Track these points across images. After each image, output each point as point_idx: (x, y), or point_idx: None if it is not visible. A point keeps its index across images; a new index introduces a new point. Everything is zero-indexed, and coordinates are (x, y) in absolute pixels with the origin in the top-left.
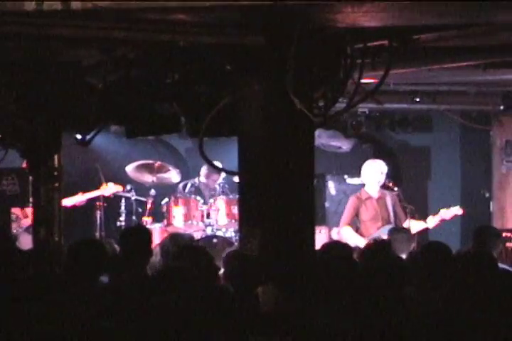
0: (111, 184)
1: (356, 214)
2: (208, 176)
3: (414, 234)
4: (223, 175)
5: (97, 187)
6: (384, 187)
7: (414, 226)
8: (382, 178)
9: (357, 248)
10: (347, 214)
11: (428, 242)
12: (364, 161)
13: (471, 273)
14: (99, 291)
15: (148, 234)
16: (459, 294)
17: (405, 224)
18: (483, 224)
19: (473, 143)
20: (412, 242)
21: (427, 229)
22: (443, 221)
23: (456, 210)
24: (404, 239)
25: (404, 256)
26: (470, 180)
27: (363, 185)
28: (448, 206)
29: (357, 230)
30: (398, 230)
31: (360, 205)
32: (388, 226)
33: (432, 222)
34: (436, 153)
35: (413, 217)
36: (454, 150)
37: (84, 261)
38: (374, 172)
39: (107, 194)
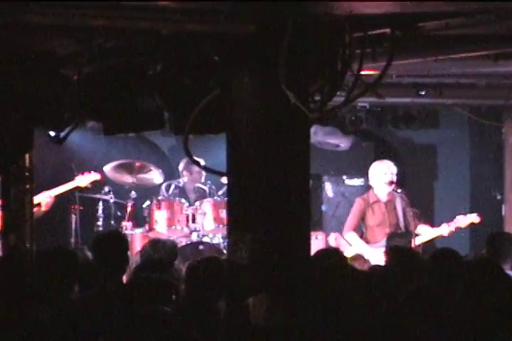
0: (86, 173)
1: (362, 218)
2: (188, 175)
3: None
4: (204, 174)
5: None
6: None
7: (426, 233)
8: (390, 179)
9: (360, 256)
10: (352, 217)
11: (437, 249)
12: (364, 160)
13: (477, 282)
14: (74, 302)
15: (124, 240)
16: (468, 302)
17: (416, 231)
18: (497, 230)
19: (484, 140)
20: (410, 247)
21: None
22: (458, 229)
23: (473, 218)
24: (402, 244)
25: None
26: (480, 180)
27: (370, 188)
28: (456, 209)
29: (361, 236)
30: (396, 235)
31: (367, 209)
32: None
33: (446, 229)
34: (443, 151)
35: (425, 222)
36: (463, 148)
37: (55, 271)
38: (381, 173)
39: (83, 184)
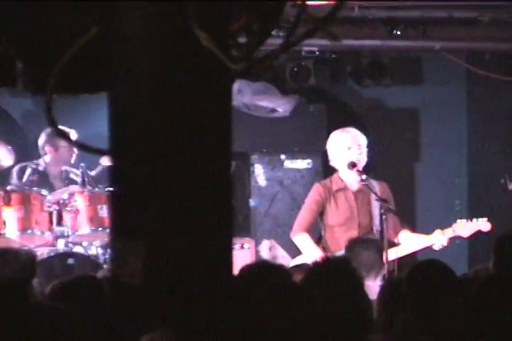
0: None
1: (321, 214)
2: (52, 152)
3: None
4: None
5: None
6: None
7: (410, 242)
8: (357, 158)
9: (302, 269)
10: (306, 211)
11: (418, 262)
12: (313, 132)
13: (482, 306)
14: None
15: None
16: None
17: (398, 238)
18: (509, 232)
19: (489, 102)
20: (382, 261)
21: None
22: (453, 238)
23: (481, 224)
24: (371, 256)
25: (374, 282)
26: (482, 160)
27: (334, 171)
28: (447, 206)
29: (319, 240)
30: (360, 242)
31: (328, 200)
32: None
33: (439, 238)
34: (429, 118)
35: (412, 229)
36: (458, 113)
37: None
38: (344, 147)
39: None
